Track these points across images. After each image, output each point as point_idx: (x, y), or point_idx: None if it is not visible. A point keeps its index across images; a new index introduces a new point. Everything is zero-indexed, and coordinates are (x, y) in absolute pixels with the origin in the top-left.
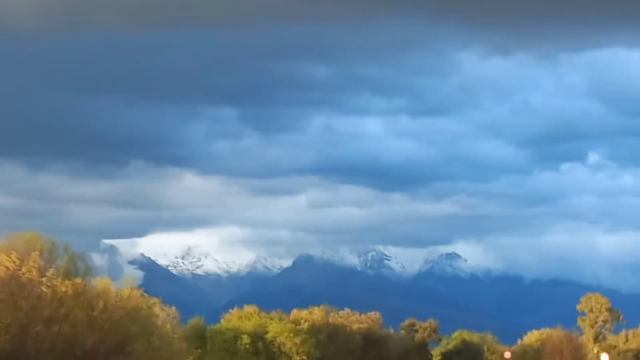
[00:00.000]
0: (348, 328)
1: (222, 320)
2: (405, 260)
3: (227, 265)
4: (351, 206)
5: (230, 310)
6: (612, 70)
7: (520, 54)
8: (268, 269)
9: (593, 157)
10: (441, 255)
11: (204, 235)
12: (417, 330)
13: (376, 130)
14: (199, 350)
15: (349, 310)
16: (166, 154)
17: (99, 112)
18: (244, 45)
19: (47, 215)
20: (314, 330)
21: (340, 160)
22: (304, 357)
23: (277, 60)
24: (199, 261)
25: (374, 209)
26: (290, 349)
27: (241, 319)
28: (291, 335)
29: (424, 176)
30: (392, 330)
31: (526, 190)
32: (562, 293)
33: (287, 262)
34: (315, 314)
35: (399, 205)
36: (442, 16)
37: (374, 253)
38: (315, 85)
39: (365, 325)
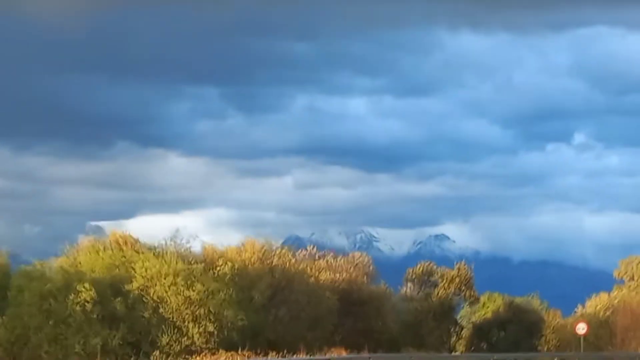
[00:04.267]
0: (312, 279)
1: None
2: (394, 242)
3: None
4: (337, 187)
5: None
6: (596, 48)
7: (502, 32)
8: None
9: (579, 137)
10: (429, 236)
11: (191, 217)
12: (434, 285)
13: (360, 110)
14: None
15: (313, 248)
16: (150, 134)
17: (82, 91)
18: (224, 23)
19: (32, 197)
20: (245, 279)
21: (326, 141)
22: (211, 328)
23: (258, 38)
24: (187, 243)
25: (360, 189)
26: (179, 311)
27: (90, 254)
28: (181, 284)
29: (410, 157)
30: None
31: (512, 170)
32: (551, 274)
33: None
34: (248, 250)
35: (386, 186)
36: None
37: (362, 234)
38: (298, 64)
39: (345, 276)
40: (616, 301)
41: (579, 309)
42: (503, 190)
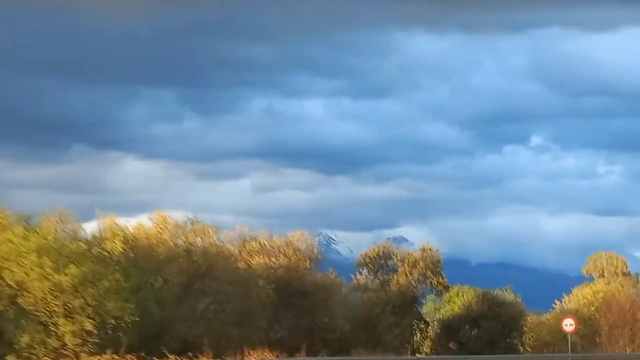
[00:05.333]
0: (242, 264)
1: None
2: (353, 244)
3: None
4: (296, 190)
5: None
6: (552, 50)
7: (457, 34)
8: None
9: (536, 139)
10: (388, 239)
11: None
12: (393, 270)
13: (318, 112)
14: None
15: (242, 227)
16: (106, 138)
17: (37, 95)
18: (180, 25)
19: None
20: (150, 262)
21: (283, 143)
22: (89, 325)
23: (216, 40)
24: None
25: (318, 192)
26: (45, 301)
27: None
28: (49, 265)
29: (368, 159)
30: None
31: (470, 172)
32: (509, 276)
33: None
34: (157, 226)
35: (344, 189)
36: None
37: (321, 237)
38: (256, 66)
39: (283, 261)
40: (600, 295)
41: (558, 305)
42: (461, 193)
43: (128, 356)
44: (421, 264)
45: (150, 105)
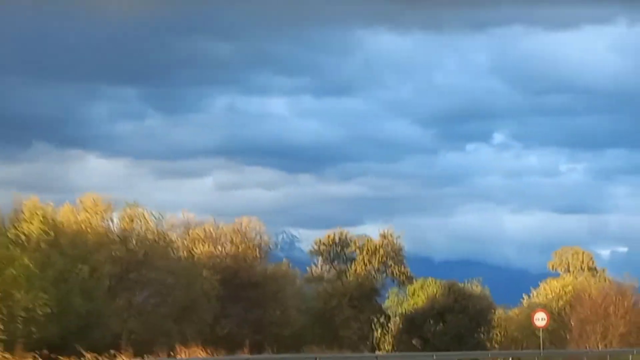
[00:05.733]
0: (184, 252)
1: None
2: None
3: None
4: (259, 188)
5: None
6: (514, 48)
7: (420, 31)
8: None
9: (498, 136)
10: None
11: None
12: (351, 259)
13: (281, 110)
14: None
15: (186, 213)
16: (68, 135)
17: None
18: (143, 23)
19: None
20: (77, 248)
21: (246, 141)
22: None
23: (178, 38)
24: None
25: (282, 190)
26: None
27: None
28: None
29: (331, 157)
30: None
31: (433, 170)
32: (473, 273)
33: None
34: (86, 208)
35: (308, 187)
36: None
37: (284, 235)
38: (218, 64)
39: (231, 249)
40: (569, 289)
41: (525, 300)
42: (424, 190)
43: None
44: (381, 251)
45: (112, 103)
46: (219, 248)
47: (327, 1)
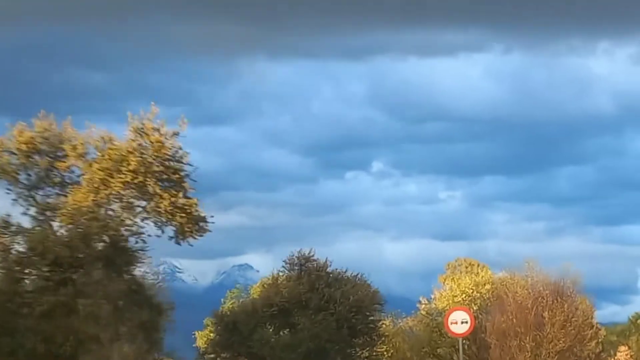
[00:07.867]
0: None
1: None
2: (197, 273)
3: None
4: None
5: None
6: (391, 76)
7: (298, 60)
8: None
9: (377, 165)
10: (233, 266)
11: None
12: None
13: None
14: None
15: None
16: None
17: None
18: (15, 50)
19: None
20: None
21: None
22: None
23: (54, 67)
24: None
25: None
26: None
27: None
28: None
29: (210, 186)
30: None
31: (313, 199)
32: None
33: None
34: None
35: None
36: (221, 20)
37: (165, 266)
38: (94, 94)
39: None
40: (487, 288)
41: (423, 304)
42: (305, 219)
43: None
44: None
45: None
46: None
47: (205, 30)
